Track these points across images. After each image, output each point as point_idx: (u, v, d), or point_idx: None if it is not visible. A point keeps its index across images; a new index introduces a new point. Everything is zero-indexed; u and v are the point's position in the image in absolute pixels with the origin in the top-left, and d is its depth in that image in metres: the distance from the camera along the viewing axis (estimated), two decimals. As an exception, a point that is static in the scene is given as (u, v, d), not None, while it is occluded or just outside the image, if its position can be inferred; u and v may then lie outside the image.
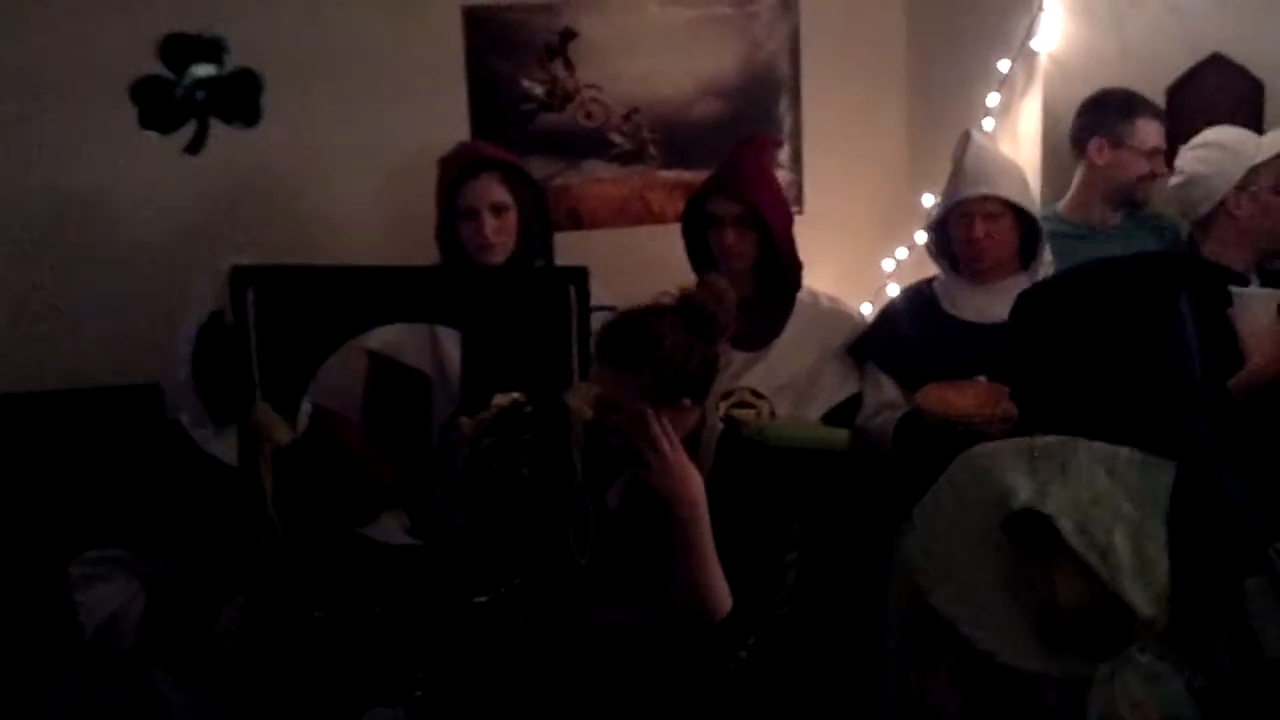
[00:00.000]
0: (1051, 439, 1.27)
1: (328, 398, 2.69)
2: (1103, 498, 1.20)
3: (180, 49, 1.99)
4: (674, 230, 3.24)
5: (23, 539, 3.00)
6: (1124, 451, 1.24)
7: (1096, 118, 3.36)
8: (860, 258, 3.82)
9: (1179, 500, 1.22)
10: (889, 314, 3.22)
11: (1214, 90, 3.46)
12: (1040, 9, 3.42)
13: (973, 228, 3.00)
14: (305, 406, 2.44)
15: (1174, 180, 3.20)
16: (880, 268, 3.79)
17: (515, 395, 2.28)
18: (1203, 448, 1.74)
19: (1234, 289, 2.60)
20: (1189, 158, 3.16)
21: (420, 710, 2.13)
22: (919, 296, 3.17)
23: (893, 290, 3.55)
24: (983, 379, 2.80)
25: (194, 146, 1.97)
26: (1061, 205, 3.44)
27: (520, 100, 3.73)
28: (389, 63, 3.56)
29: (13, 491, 3.12)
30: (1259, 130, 3.27)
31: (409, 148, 3.40)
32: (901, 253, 3.75)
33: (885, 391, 3.06)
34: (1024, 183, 3.10)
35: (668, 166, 3.85)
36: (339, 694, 2.14)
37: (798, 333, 3.16)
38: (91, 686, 2.55)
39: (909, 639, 1.24)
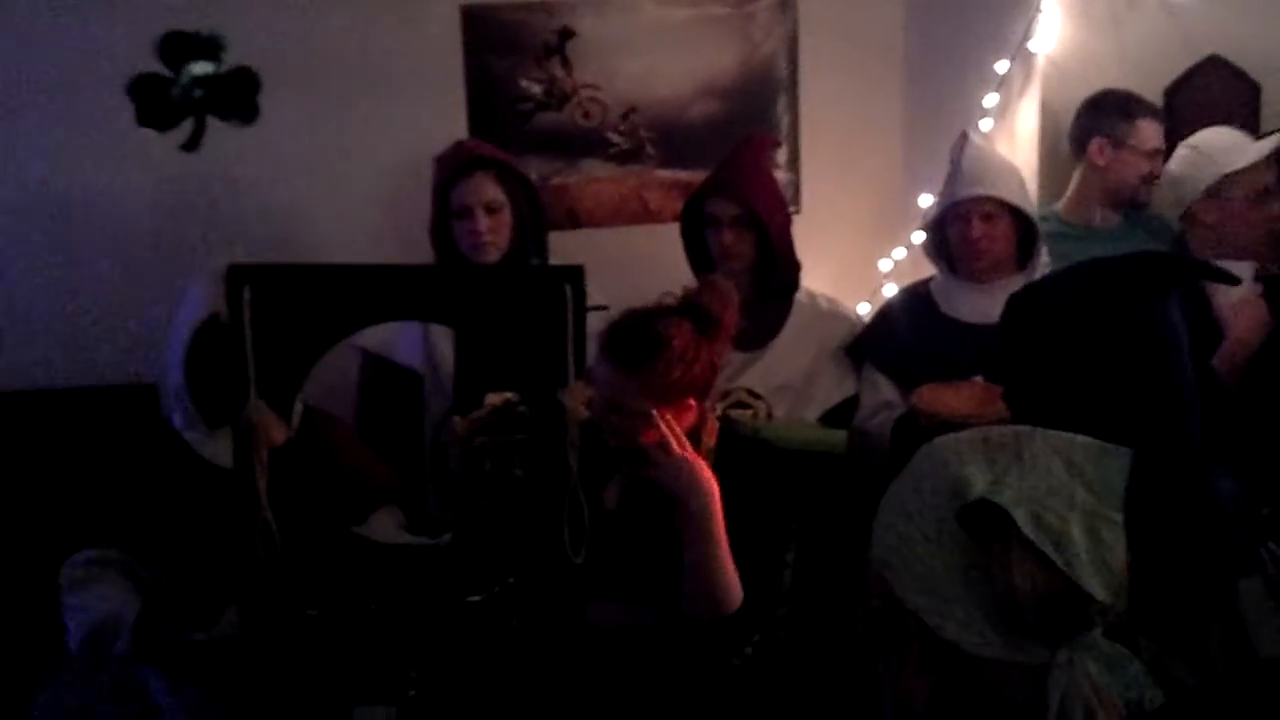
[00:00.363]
0: (1008, 429, 1.29)
1: (321, 397, 2.69)
2: (1059, 486, 1.22)
3: (178, 47, 2.00)
4: (671, 230, 3.24)
5: (17, 538, 2.99)
6: (1080, 439, 1.27)
7: (1097, 118, 3.36)
8: (857, 258, 3.82)
9: (1154, 493, 1.25)
10: (886, 314, 3.22)
11: (1211, 92, 3.47)
12: (1038, 10, 3.42)
13: (970, 228, 3.00)
14: (297, 406, 2.44)
15: (1161, 180, 3.21)
16: (877, 268, 3.80)
17: (508, 395, 2.29)
18: (1195, 447, 1.74)
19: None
20: (1173, 158, 3.17)
21: (414, 709, 2.13)
22: (916, 297, 3.17)
23: (890, 291, 3.55)
24: (979, 379, 2.80)
25: (191, 144, 1.98)
26: (1060, 205, 3.44)
27: (518, 99, 3.74)
28: (387, 61, 3.57)
29: (9, 490, 3.12)
30: (1255, 131, 3.27)
31: (407, 146, 3.40)
32: (899, 253, 3.76)
33: (882, 392, 3.06)
34: (1021, 183, 3.10)
35: (665, 166, 3.85)
36: (333, 693, 2.14)
37: (795, 333, 3.16)
38: (81, 687, 2.54)
39: (878, 629, 1.25)
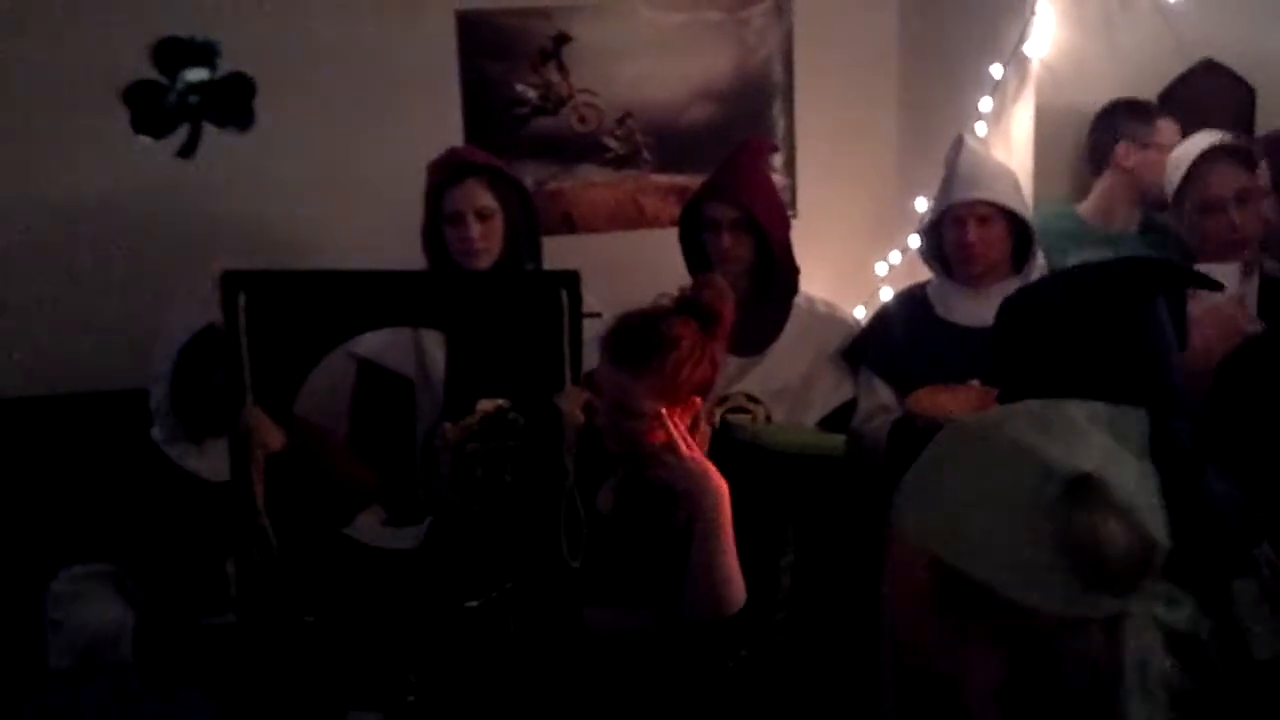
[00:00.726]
0: (1037, 403, 1.32)
1: (314, 404, 2.68)
2: (1107, 447, 1.27)
3: (173, 53, 1.99)
4: (668, 234, 3.25)
5: (10, 546, 2.98)
6: (1099, 406, 1.31)
7: (1117, 124, 3.39)
8: (853, 262, 3.83)
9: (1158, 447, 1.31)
10: (882, 318, 3.22)
11: (1206, 96, 3.48)
12: (1032, 14, 3.43)
13: (965, 232, 3.00)
14: None
15: None
16: (873, 272, 3.80)
17: (500, 402, 2.28)
18: (1182, 449, 1.74)
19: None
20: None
21: (411, 715, 2.13)
22: (912, 301, 3.18)
23: (886, 295, 3.55)
24: (975, 383, 2.81)
25: (187, 150, 1.98)
26: (1082, 208, 3.45)
27: (514, 104, 3.74)
28: (383, 66, 3.57)
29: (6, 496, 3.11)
30: (1250, 135, 3.29)
31: (402, 150, 3.39)
32: (894, 257, 3.76)
33: (878, 395, 3.06)
34: (1016, 187, 3.11)
35: (661, 171, 3.86)
36: (330, 699, 2.14)
37: (794, 338, 3.16)
38: (71, 702, 2.52)
39: (939, 615, 1.28)
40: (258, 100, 2.04)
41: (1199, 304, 2.58)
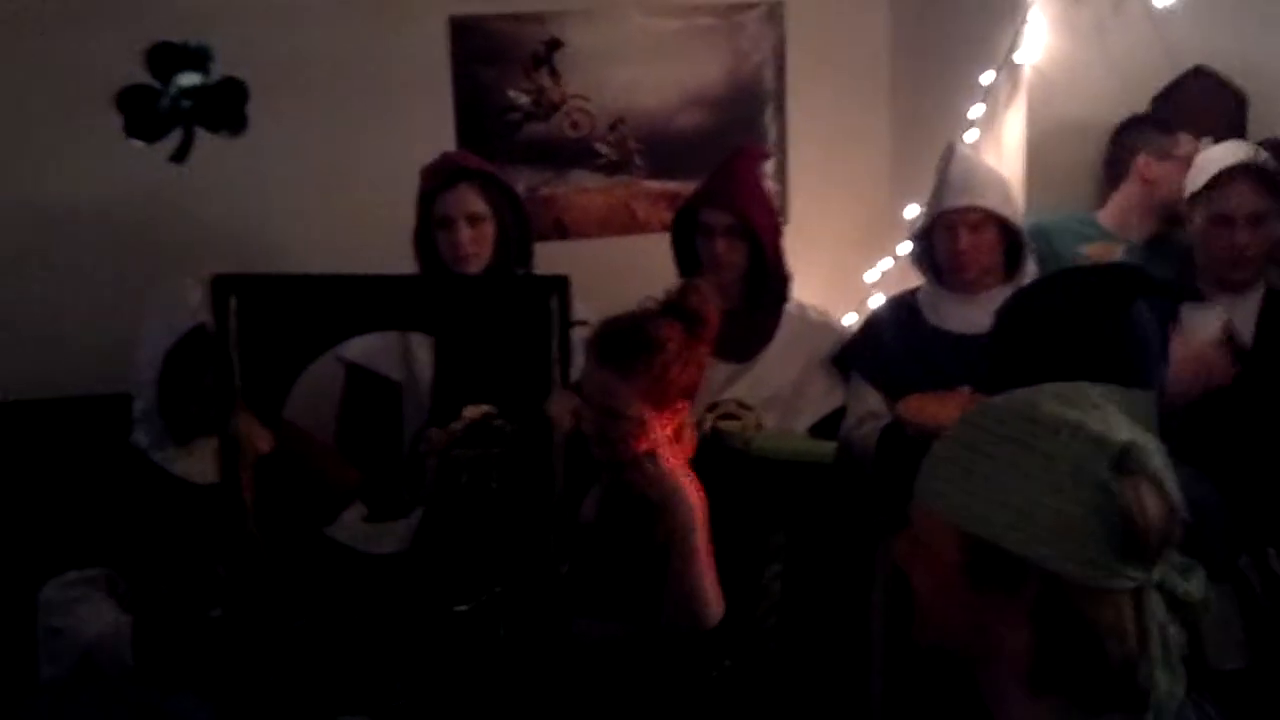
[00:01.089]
0: (1055, 385, 1.35)
1: (302, 408, 2.68)
2: (1128, 423, 1.31)
3: (166, 58, 2.00)
4: (659, 240, 3.25)
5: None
6: (1110, 387, 1.35)
7: (1137, 137, 3.40)
8: (844, 268, 3.83)
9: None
10: (873, 324, 3.22)
11: (1197, 103, 3.48)
12: (1024, 21, 3.43)
13: (957, 239, 3.01)
14: None
15: None
16: (864, 278, 3.80)
17: (486, 408, 2.28)
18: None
19: (1187, 305, 2.60)
20: None
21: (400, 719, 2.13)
22: (902, 307, 3.18)
23: (877, 301, 3.56)
24: (966, 389, 2.80)
25: (179, 155, 1.98)
26: (1101, 215, 3.46)
27: (506, 110, 3.74)
28: (375, 72, 3.57)
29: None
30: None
31: (395, 156, 3.40)
32: (886, 263, 3.76)
33: (868, 402, 3.06)
34: (1008, 194, 3.11)
35: (653, 176, 3.86)
36: (319, 703, 2.14)
37: (785, 344, 3.16)
38: (65, 709, 2.51)
39: (972, 591, 1.29)
40: (250, 105, 2.05)
41: (1184, 345, 2.58)
